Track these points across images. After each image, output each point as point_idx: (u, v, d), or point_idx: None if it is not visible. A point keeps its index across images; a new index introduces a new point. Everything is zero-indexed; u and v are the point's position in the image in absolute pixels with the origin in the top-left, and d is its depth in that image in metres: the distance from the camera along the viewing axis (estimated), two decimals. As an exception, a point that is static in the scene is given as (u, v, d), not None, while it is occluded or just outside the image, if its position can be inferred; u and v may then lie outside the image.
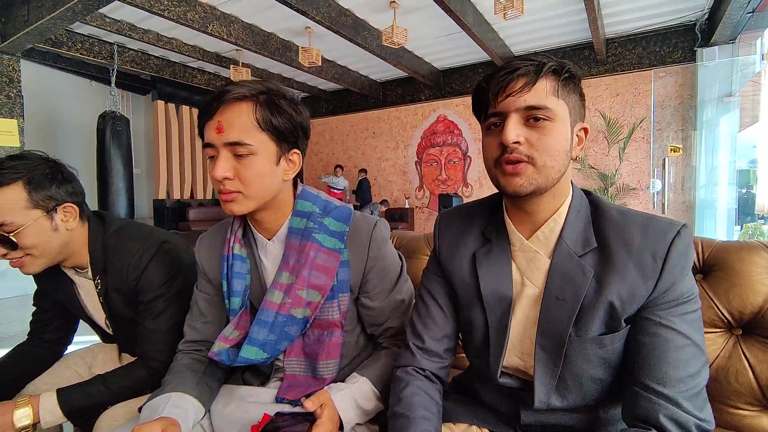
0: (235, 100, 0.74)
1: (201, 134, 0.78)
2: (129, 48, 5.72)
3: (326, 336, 0.83)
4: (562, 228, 0.68)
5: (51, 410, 0.87)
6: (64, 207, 0.95)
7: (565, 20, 4.99)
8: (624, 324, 0.63)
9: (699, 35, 4.99)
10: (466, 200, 6.46)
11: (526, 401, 0.70)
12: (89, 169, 5.68)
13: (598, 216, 0.68)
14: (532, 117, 0.63)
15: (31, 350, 1.11)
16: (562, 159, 0.64)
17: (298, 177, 0.88)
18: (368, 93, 7.33)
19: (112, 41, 5.45)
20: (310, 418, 0.72)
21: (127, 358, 1.16)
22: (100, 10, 3.86)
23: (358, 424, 0.80)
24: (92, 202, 5.97)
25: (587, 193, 0.74)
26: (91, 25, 4.61)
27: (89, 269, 1.02)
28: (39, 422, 0.87)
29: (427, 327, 0.78)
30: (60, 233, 0.95)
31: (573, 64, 0.66)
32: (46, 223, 0.92)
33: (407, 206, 7.42)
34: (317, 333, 0.84)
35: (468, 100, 6.79)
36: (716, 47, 4.88)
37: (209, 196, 7.37)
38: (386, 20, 4.68)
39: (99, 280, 1.00)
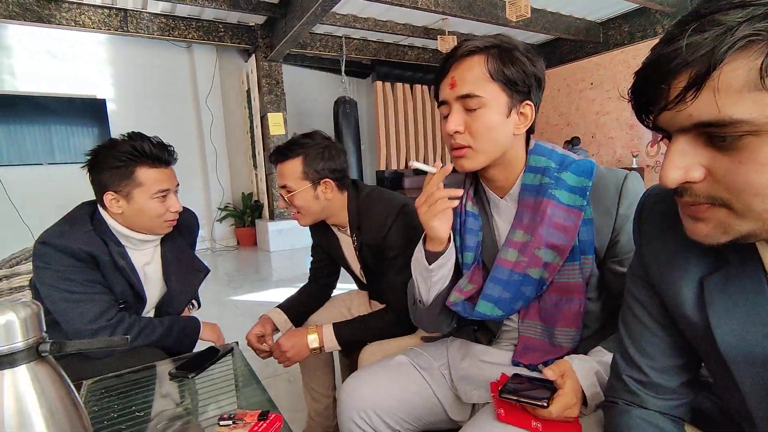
0: (467, 54, 0.76)
1: (436, 96, 0.82)
2: (353, 38, 6.52)
3: (565, 302, 0.80)
4: None
5: (330, 338, 1.13)
6: (325, 181, 1.18)
7: None
8: None
9: None
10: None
11: None
12: (328, 148, 6.87)
13: None
14: (708, 134, 0.39)
15: (311, 291, 1.45)
16: None
17: (531, 131, 0.84)
18: (585, 38, 6.40)
19: (340, 35, 6.31)
20: (550, 385, 0.71)
21: (375, 305, 1.39)
22: (332, 9, 4.49)
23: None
24: (331, 175, 7.24)
25: None
26: (326, 24, 5.43)
27: (348, 228, 1.24)
28: (323, 346, 1.14)
29: (644, 354, 0.57)
30: (320, 201, 1.19)
31: None
32: (310, 192, 1.17)
33: (635, 165, 6.30)
34: (555, 297, 0.81)
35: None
36: None
37: (420, 165, 7.94)
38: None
39: (355, 237, 1.22)
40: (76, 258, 1.05)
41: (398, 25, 5.94)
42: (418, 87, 7.56)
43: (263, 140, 5.81)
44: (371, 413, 0.86)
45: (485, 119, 0.76)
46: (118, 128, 5.36)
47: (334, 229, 1.31)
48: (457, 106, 0.77)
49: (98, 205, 1.14)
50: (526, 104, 0.79)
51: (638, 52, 6.14)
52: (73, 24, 4.54)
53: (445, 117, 0.80)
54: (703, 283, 0.48)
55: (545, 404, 0.66)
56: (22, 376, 0.43)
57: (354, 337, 1.14)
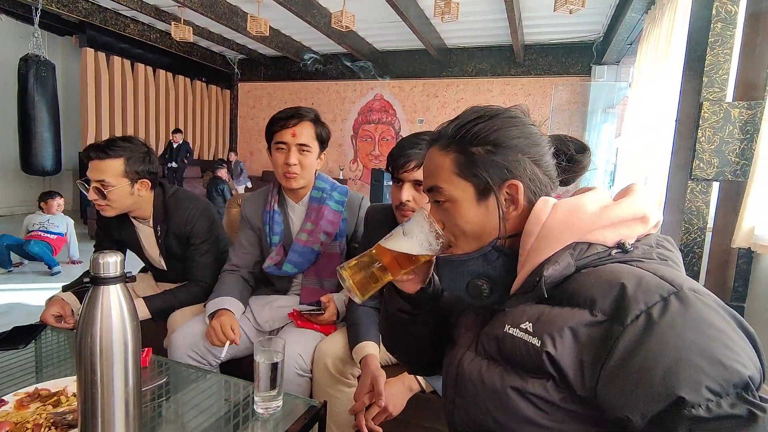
0: (305, 119, 1.29)
1: (270, 137, 1.30)
2: (55, -13, 5.33)
3: (330, 264, 1.36)
4: None
5: (142, 309, 1.32)
6: (142, 181, 1.36)
7: (493, 25, 5.69)
8: None
9: (595, 53, 6.02)
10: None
11: None
12: (7, 116, 5.31)
13: None
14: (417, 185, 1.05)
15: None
16: None
17: None
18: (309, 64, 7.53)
19: (37, -23, 5.06)
20: (321, 307, 1.27)
21: (163, 286, 1.59)
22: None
23: None
24: (12, 152, 5.60)
25: None
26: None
27: (150, 220, 1.44)
28: (133, 317, 1.31)
29: None
30: (134, 196, 1.37)
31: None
32: (127, 189, 1.34)
33: (341, 177, 7.90)
34: (325, 261, 1.36)
35: (404, 82, 7.36)
36: (605, 66, 5.95)
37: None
38: (335, 2, 4.99)
39: (159, 228, 1.43)
40: None
41: (124, -5, 5.32)
42: (141, 66, 6.86)
43: None
44: (201, 347, 1.19)
45: (310, 160, 1.31)
46: None
47: (135, 221, 1.46)
48: (294, 149, 1.27)
49: None
50: (323, 154, 1.35)
51: (348, 87, 7.75)
52: None
53: (282, 150, 1.28)
54: None
55: (322, 312, 1.22)
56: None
57: (164, 306, 1.35)
